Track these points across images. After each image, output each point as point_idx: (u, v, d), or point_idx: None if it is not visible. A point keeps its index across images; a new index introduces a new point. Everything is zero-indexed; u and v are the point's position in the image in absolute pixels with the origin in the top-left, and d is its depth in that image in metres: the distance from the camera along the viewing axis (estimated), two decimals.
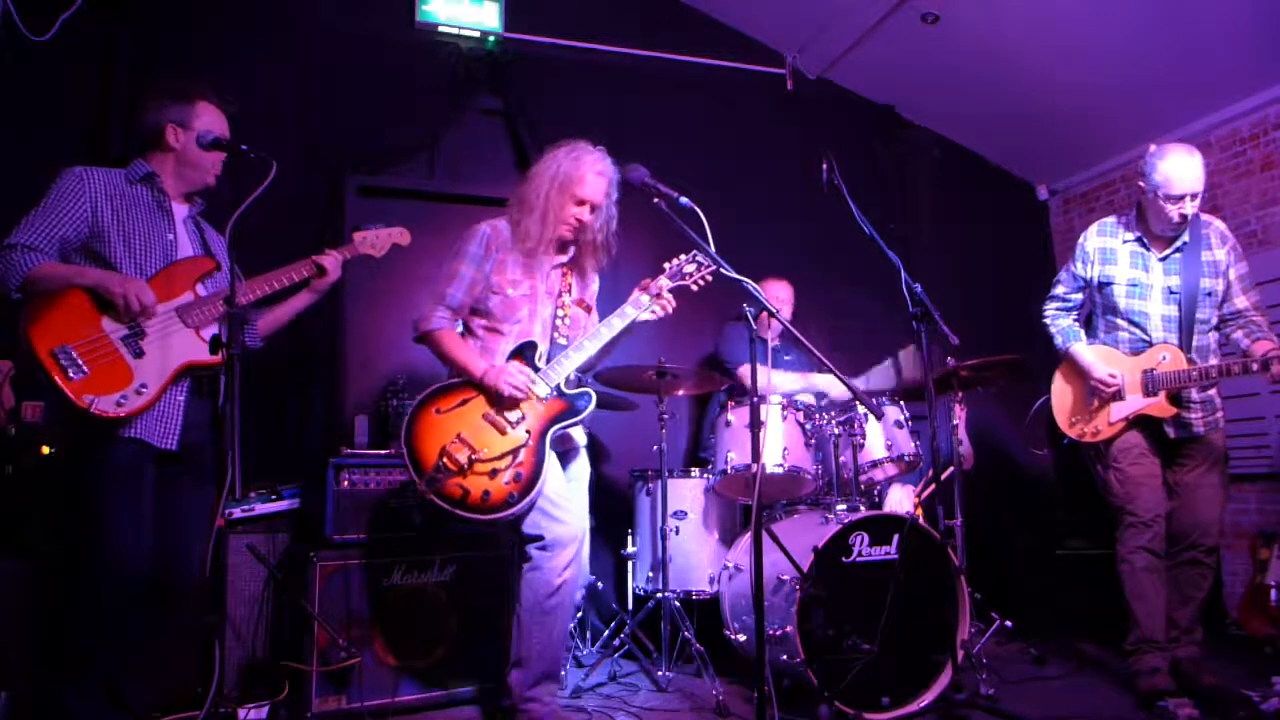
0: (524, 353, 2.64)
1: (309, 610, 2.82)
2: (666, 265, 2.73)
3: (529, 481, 2.49)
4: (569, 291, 2.79)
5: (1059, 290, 3.30)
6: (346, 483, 3.05)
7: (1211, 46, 4.20)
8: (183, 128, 2.44)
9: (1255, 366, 2.85)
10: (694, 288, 2.72)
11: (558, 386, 2.63)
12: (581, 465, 2.87)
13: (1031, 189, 5.83)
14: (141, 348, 2.25)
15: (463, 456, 2.44)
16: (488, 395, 2.56)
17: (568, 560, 2.57)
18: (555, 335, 2.72)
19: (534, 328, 2.70)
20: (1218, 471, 3.07)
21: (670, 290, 2.72)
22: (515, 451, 2.49)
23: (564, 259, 2.78)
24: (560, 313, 2.75)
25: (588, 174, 2.66)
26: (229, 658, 2.89)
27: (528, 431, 2.54)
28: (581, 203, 2.68)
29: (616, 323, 2.67)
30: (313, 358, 3.82)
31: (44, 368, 2.12)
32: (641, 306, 2.70)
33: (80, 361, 2.16)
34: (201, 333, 2.36)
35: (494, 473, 2.46)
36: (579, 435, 2.82)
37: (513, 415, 2.55)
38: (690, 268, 2.71)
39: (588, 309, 2.89)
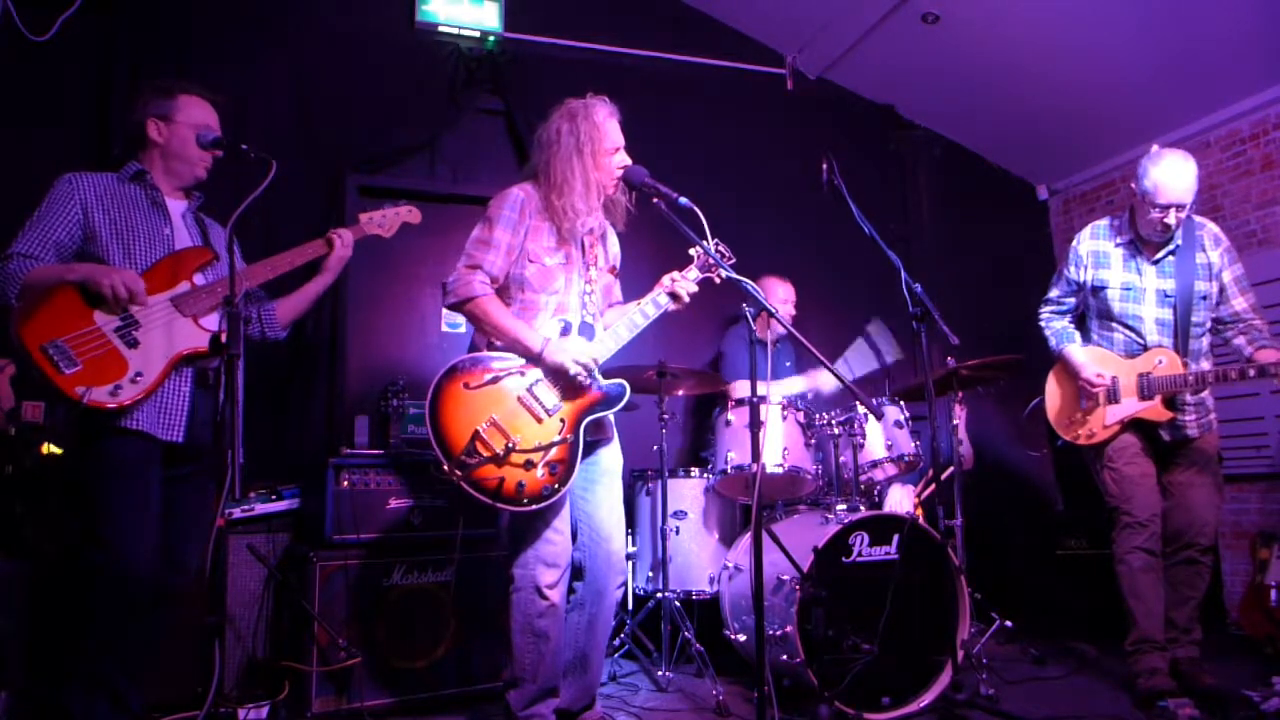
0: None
1: (309, 610, 2.82)
2: (694, 254, 2.59)
3: (564, 475, 2.39)
4: (596, 263, 2.67)
5: (1053, 294, 3.31)
6: (346, 483, 3.04)
7: (1211, 46, 4.20)
8: (164, 121, 2.43)
9: (1252, 372, 2.84)
10: (716, 280, 2.60)
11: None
12: (613, 455, 2.68)
13: (1031, 189, 5.83)
14: (136, 337, 2.24)
15: (499, 444, 2.32)
16: (543, 370, 2.43)
17: (553, 580, 2.44)
18: (584, 313, 2.60)
19: (570, 299, 2.57)
20: (1210, 471, 3.07)
21: (698, 281, 2.61)
22: (551, 443, 2.38)
23: (595, 222, 2.62)
24: (588, 287, 2.62)
25: (605, 122, 2.57)
26: (229, 658, 2.89)
27: (562, 420, 2.43)
28: (616, 149, 2.58)
29: (651, 311, 2.56)
30: (313, 357, 3.82)
31: (35, 363, 2.12)
32: (673, 298, 2.58)
33: (72, 354, 2.15)
34: (201, 321, 2.35)
35: (529, 464, 2.34)
36: (611, 421, 2.67)
37: (549, 401, 2.42)
38: (711, 247, 2.54)
39: (614, 272, 2.78)
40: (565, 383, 2.46)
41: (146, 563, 2.21)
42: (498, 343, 2.52)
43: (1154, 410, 3.01)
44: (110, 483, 2.21)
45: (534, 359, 2.44)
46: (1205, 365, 3.02)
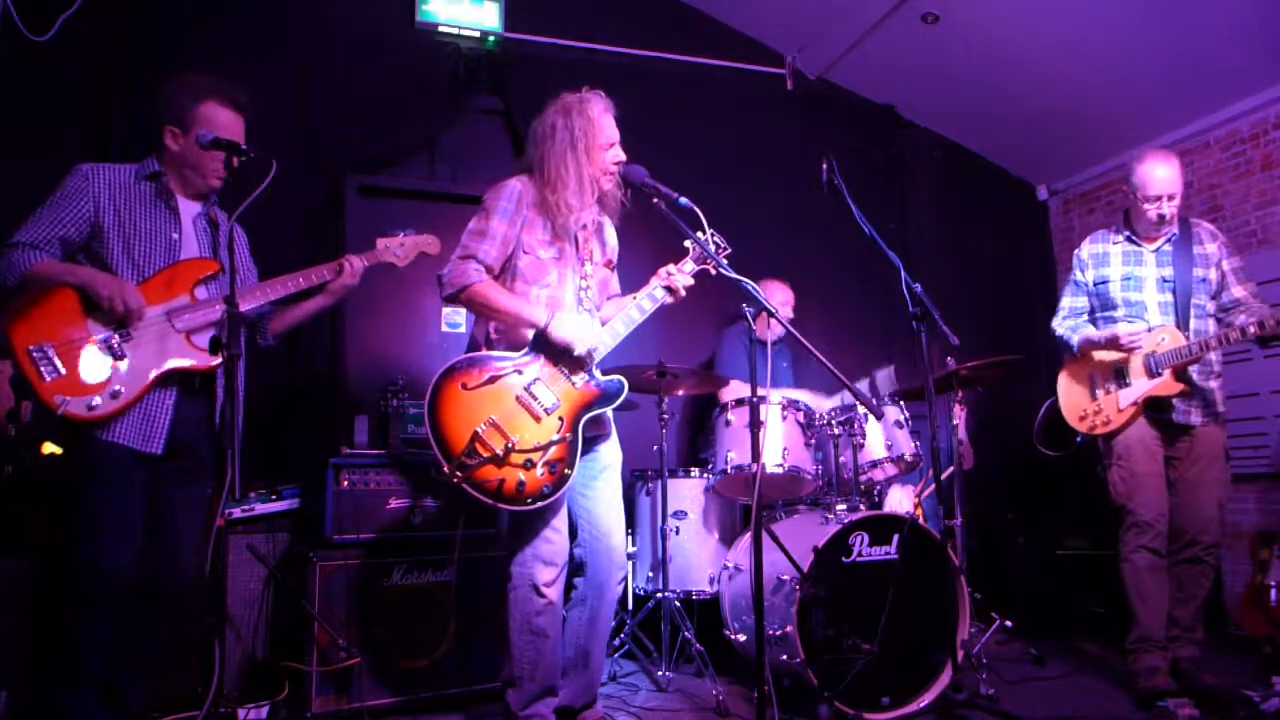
0: None
1: (309, 610, 2.82)
2: (690, 247, 2.60)
3: (563, 474, 2.39)
4: (591, 258, 2.65)
5: (1063, 302, 3.41)
6: (346, 483, 3.04)
7: (1211, 46, 4.20)
8: (181, 130, 2.37)
9: (1252, 329, 2.90)
10: (712, 271, 2.58)
11: (591, 369, 2.51)
12: (612, 450, 2.68)
13: (1031, 189, 5.83)
14: (123, 351, 2.21)
15: (498, 445, 2.31)
16: (546, 352, 2.43)
17: (551, 579, 2.45)
18: (580, 309, 2.59)
19: (565, 294, 2.56)
20: (1218, 468, 3.10)
21: (693, 273, 2.61)
22: (550, 442, 2.38)
23: (590, 217, 2.62)
24: (583, 282, 2.61)
25: (600, 117, 2.56)
26: (229, 658, 2.89)
27: (561, 419, 2.42)
28: (611, 144, 2.57)
29: (647, 305, 2.56)
30: (313, 357, 3.81)
31: (20, 365, 2.10)
32: (669, 291, 2.58)
33: (57, 361, 2.13)
34: (193, 338, 2.30)
35: (529, 464, 2.34)
36: (609, 416, 2.65)
37: (547, 400, 2.41)
38: (710, 248, 2.54)
39: (611, 266, 2.76)
40: (567, 367, 2.45)
41: (127, 560, 2.19)
42: (495, 337, 2.51)
43: (1166, 385, 3.05)
44: (91, 481, 2.20)
45: (539, 334, 2.43)
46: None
